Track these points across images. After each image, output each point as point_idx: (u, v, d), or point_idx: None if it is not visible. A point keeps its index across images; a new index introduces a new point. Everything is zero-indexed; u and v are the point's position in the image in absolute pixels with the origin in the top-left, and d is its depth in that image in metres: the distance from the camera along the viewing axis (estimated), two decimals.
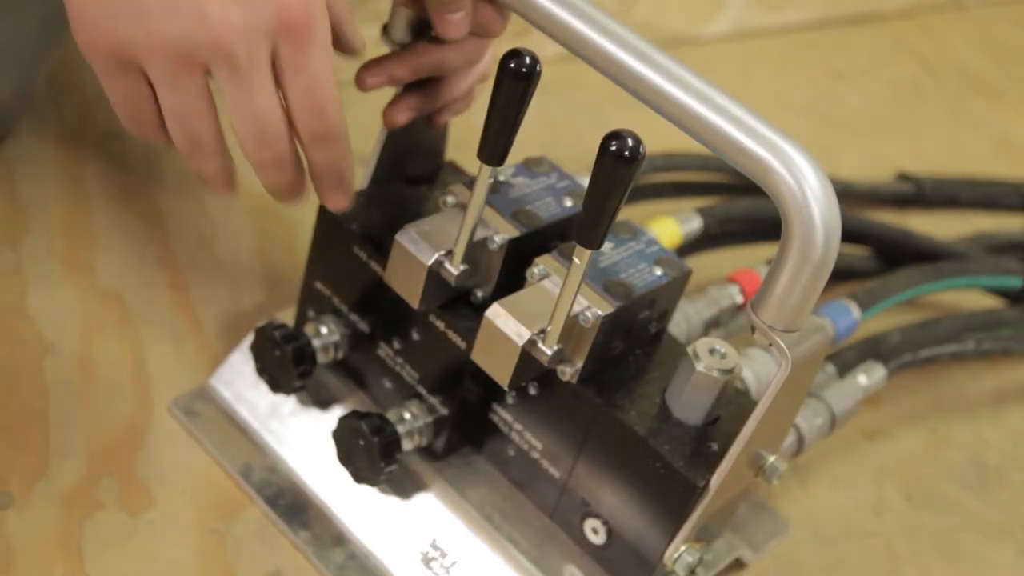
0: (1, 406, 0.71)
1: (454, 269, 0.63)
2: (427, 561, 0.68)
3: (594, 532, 0.66)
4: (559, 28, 0.58)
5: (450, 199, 0.65)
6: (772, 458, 0.62)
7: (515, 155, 0.65)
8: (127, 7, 0.51)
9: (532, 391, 0.66)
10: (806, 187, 0.52)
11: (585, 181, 0.57)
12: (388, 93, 0.68)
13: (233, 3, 0.50)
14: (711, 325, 0.76)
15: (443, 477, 0.70)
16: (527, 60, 0.56)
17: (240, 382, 0.75)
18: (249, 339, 0.73)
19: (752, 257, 0.84)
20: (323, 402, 0.74)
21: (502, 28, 0.66)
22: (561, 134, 1.07)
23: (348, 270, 0.70)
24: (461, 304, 0.67)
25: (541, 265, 0.63)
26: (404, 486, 0.70)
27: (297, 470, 0.71)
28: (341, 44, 0.61)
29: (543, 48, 0.58)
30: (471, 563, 0.68)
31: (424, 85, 0.68)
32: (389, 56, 0.66)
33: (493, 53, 0.73)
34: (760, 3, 1.30)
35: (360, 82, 0.66)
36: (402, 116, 0.67)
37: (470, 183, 0.63)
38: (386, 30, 0.66)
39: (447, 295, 0.66)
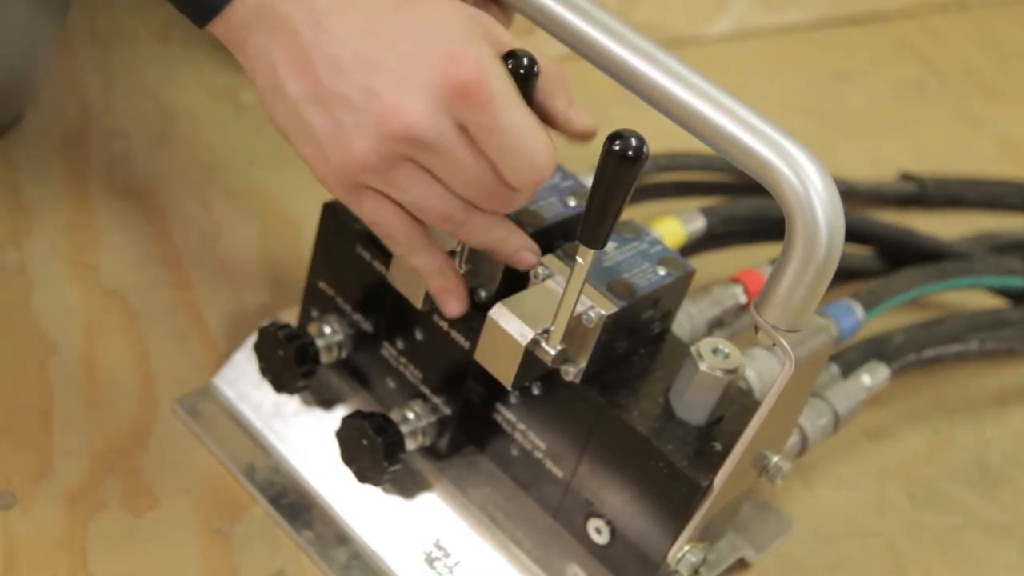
0: (5, 406, 0.71)
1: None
2: (430, 561, 0.68)
3: (597, 532, 0.66)
4: (562, 28, 0.58)
5: None
6: (775, 458, 0.62)
7: None
8: (334, 140, 0.55)
9: (535, 391, 0.66)
10: (810, 187, 0.52)
11: (589, 181, 0.57)
12: None
13: (406, 91, 0.52)
14: (714, 325, 0.76)
15: (446, 477, 0.70)
16: (524, 61, 0.55)
17: (244, 382, 0.75)
18: (253, 339, 0.73)
19: (755, 257, 0.84)
20: (326, 402, 0.74)
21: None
22: None
23: (352, 270, 0.70)
24: None
25: (544, 265, 0.63)
26: (407, 486, 0.70)
27: (300, 470, 0.71)
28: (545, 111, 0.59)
29: (547, 48, 0.58)
30: (474, 563, 0.68)
31: None
32: None
33: None
34: (762, 3, 1.30)
35: None
36: None
37: None
38: None
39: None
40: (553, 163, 0.56)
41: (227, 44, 0.57)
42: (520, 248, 0.61)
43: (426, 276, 0.61)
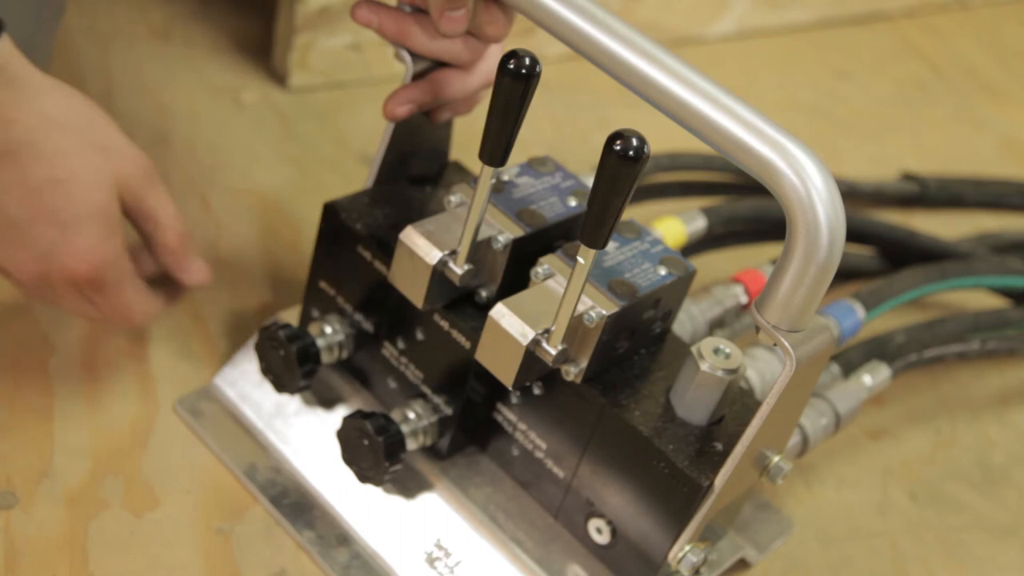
0: (6, 405, 0.71)
1: (458, 269, 0.63)
2: (431, 561, 0.68)
3: (598, 532, 0.66)
4: (564, 28, 0.58)
5: (454, 199, 0.65)
6: (777, 458, 0.62)
7: (520, 155, 0.65)
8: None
9: (536, 391, 0.66)
10: (811, 187, 0.52)
11: (590, 181, 0.57)
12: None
13: (34, 263, 0.64)
14: (715, 325, 0.76)
15: (447, 477, 0.70)
16: (526, 61, 0.56)
17: (245, 382, 0.75)
18: (254, 339, 0.73)
19: (756, 257, 0.84)
20: (327, 402, 0.74)
21: (505, 30, 0.66)
22: (566, 134, 1.07)
23: (352, 270, 0.70)
24: (465, 304, 0.67)
25: (545, 265, 0.63)
26: (408, 486, 0.70)
27: (301, 470, 0.71)
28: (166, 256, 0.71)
29: (548, 48, 0.59)
30: (475, 563, 0.68)
31: (426, 79, 0.68)
32: (413, 85, 0.68)
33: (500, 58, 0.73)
34: (764, 3, 1.30)
35: (388, 113, 0.68)
36: (402, 109, 0.68)
37: (474, 183, 0.63)
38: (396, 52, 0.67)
39: (451, 295, 0.66)
40: (147, 321, 0.69)
41: None
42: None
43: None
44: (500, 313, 0.61)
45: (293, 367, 0.70)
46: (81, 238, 0.63)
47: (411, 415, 0.68)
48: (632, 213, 0.65)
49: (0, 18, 0.58)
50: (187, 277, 0.70)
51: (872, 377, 0.75)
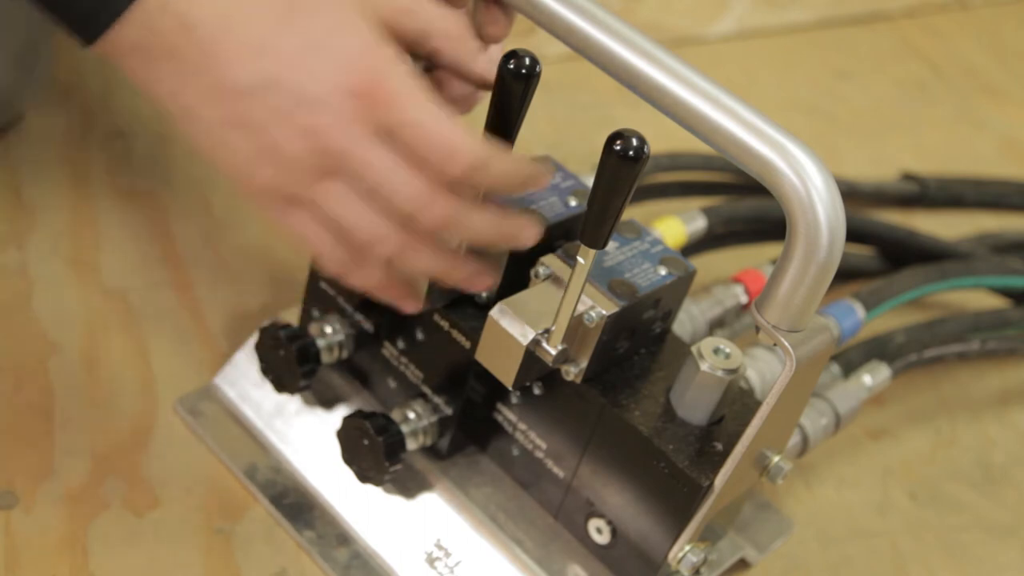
0: (6, 406, 0.71)
1: None
2: (431, 561, 0.68)
3: (598, 532, 0.66)
4: (564, 28, 0.58)
5: None
6: (776, 458, 0.62)
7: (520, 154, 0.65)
8: (254, 162, 0.54)
9: (536, 391, 0.66)
10: (811, 187, 0.52)
11: (590, 180, 0.57)
12: None
13: (311, 107, 0.52)
14: (716, 325, 0.76)
15: (448, 477, 0.70)
16: (526, 61, 0.56)
17: (245, 382, 0.75)
18: (254, 339, 0.73)
19: (757, 257, 0.84)
20: (328, 402, 0.74)
21: (506, 31, 0.66)
22: (566, 134, 1.07)
23: None
24: (466, 304, 0.67)
25: (545, 265, 0.63)
26: (408, 486, 0.70)
27: (302, 470, 0.71)
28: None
29: (548, 48, 0.58)
30: (475, 563, 0.68)
31: (425, 78, 0.68)
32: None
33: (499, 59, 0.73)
34: (765, 3, 1.30)
35: None
36: None
37: None
38: None
39: (452, 294, 0.66)
40: (472, 149, 0.54)
41: (119, 67, 0.54)
42: (472, 274, 0.60)
43: (369, 292, 0.60)
44: (500, 313, 0.61)
45: (293, 367, 0.70)
46: (344, 44, 0.52)
47: (411, 415, 0.68)
48: (632, 213, 0.65)
49: None
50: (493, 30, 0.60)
51: (872, 377, 0.75)
